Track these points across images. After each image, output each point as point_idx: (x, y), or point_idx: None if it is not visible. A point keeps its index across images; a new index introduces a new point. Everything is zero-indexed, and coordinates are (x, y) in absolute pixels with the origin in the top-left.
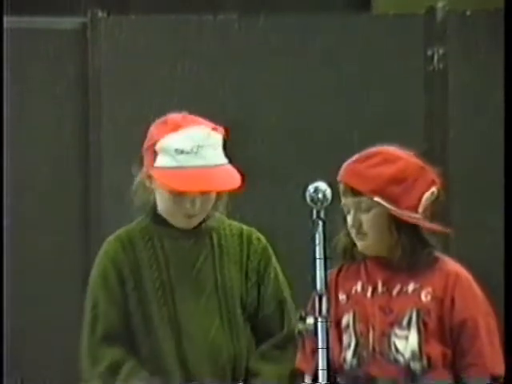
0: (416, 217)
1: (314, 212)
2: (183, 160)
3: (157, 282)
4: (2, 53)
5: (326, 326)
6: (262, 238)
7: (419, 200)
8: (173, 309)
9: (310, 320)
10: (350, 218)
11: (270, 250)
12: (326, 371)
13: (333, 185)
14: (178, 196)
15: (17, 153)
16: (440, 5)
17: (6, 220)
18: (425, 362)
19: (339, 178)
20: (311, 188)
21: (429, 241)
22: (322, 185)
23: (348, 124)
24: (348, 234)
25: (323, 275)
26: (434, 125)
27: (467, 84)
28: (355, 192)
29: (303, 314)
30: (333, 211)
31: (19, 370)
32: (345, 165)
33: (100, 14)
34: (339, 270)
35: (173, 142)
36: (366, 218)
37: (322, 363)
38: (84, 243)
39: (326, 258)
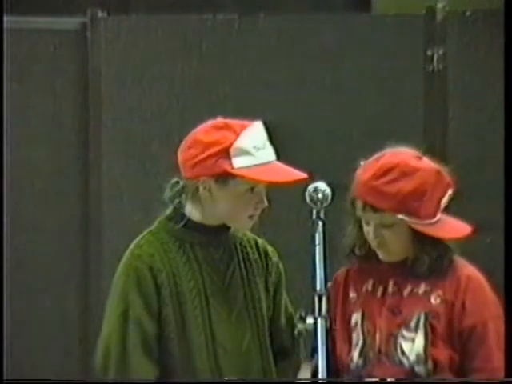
0: (437, 226)
1: (314, 212)
2: (263, 156)
3: (193, 290)
4: (2, 53)
5: (326, 326)
6: (273, 248)
7: (438, 205)
8: (208, 319)
9: (309, 320)
10: (370, 231)
11: (280, 261)
12: (325, 371)
13: (332, 185)
14: (250, 194)
15: (17, 152)
16: (440, 5)
17: (5, 220)
18: (430, 365)
19: (355, 194)
20: (311, 188)
21: (449, 245)
22: (322, 185)
23: (348, 124)
24: (358, 236)
25: (323, 275)
26: (433, 125)
27: (467, 84)
28: (376, 208)
29: (303, 313)
30: (333, 211)
31: (19, 370)
32: (360, 181)
33: (100, 13)
34: (351, 268)
35: (249, 140)
36: (388, 232)
37: (321, 362)
38: (84, 243)
39: (325, 258)
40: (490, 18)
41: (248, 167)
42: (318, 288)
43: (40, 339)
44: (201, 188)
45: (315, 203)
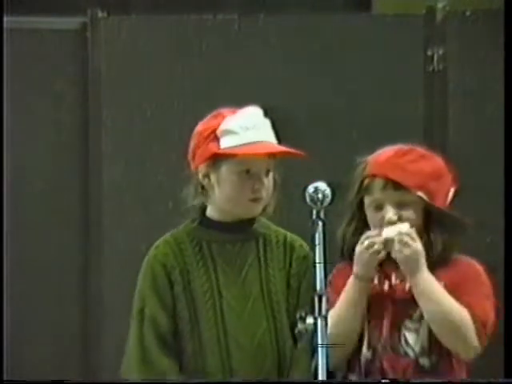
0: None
1: (314, 212)
2: (250, 136)
3: (205, 285)
4: (2, 53)
5: (326, 325)
6: (305, 245)
7: (447, 197)
8: (220, 312)
9: (309, 320)
10: (387, 213)
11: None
12: (325, 370)
13: (332, 185)
14: (247, 175)
15: (17, 153)
16: (440, 5)
17: (6, 220)
18: (434, 357)
19: (374, 171)
20: (311, 188)
21: (455, 236)
22: (322, 185)
23: (348, 124)
24: (356, 233)
25: (323, 275)
26: (433, 125)
27: (467, 84)
28: (397, 186)
29: (303, 313)
30: (333, 211)
31: (19, 370)
32: (380, 160)
33: (100, 13)
34: (348, 264)
35: (236, 121)
36: (406, 213)
37: (321, 362)
38: (84, 243)
39: (325, 258)
40: (490, 17)
41: (235, 146)
42: (318, 288)
43: (40, 339)
44: (200, 177)
45: (315, 203)
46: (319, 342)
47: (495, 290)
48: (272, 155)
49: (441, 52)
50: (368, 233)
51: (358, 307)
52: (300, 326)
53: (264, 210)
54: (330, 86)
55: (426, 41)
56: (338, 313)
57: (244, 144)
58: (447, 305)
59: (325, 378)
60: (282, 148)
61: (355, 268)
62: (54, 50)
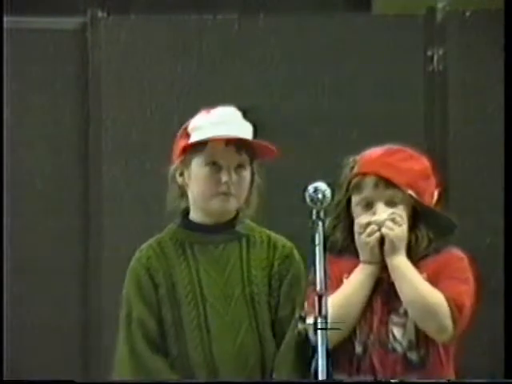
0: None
1: (314, 212)
2: (219, 130)
3: (188, 286)
4: (2, 53)
5: (326, 325)
6: (289, 244)
7: (433, 197)
8: (203, 313)
9: (309, 320)
10: (378, 210)
11: (295, 257)
12: (325, 370)
13: (332, 185)
14: (214, 168)
15: (17, 153)
16: (440, 5)
17: (5, 220)
18: (422, 350)
19: (365, 170)
20: (311, 188)
21: (441, 232)
22: (322, 185)
23: (348, 124)
24: (346, 231)
25: (323, 275)
26: (434, 125)
27: (467, 84)
28: (389, 184)
29: (303, 313)
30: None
31: (19, 370)
32: (371, 158)
33: (100, 13)
34: (340, 255)
35: (206, 118)
36: (396, 211)
37: (321, 362)
38: (84, 243)
39: (325, 258)
40: (490, 17)
41: (202, 140)
42: (318, 288)
43: (40, 340)
44: (176, 176)
45: (315, 203)
46: (319, 341)
47: (495, 290)
48: (244, 151)
49: (441, 52)
50: (359, 220)
51: (364, 290)
52: (300, 325)
53: (242, 209)
54: (330, 86)
55: (426, 41)
56: (344, 295)
57: (212, 137)
58: (422, 288)
59: (325, 378)
60: (243, 136)
61: (361, 255)
62: (54, 50)
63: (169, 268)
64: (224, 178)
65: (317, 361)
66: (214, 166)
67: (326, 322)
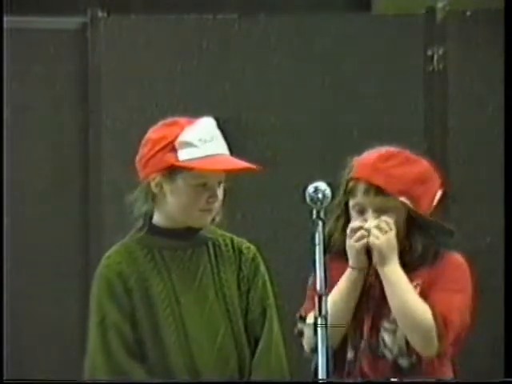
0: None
1: (314, 212)
2: (208, 149)
3: (162, 292)
4: (2, 53)
5: (326, 325)
6: (252, 247)
7: (433, 200)
8: (179, 318)
9: (309, 320)
10: (368, 217)
11: (259, 259)
12: (325, 370)
13: (332, 185)
14: (200, 188)
15: (17, 153)
16: (440, 5)
17: (6, 220)
18: (414, 357)
19: (358, 175)
20: (311, 188)
21: (438, 239)
22: (322, 185)
23: (348, 124)
24: (344, 232)
25: (323, 275)
26: (434, 125)
27: (467, 84)
28: (380, 191)
29: (303, 313)
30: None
31: (19, 370)
32: (364, 163)
33: (100, 13)
34: (334, 258)
35: (194, 133)
36: (384, 218)
37: (321, 362)
38: (84, 243)
39: (325, 258)
40: (490, 17)
41: (193, 159)
42: (318, 288)
43: (40, 339)
44: (152, 186)
45: (315, 203)
46: (319, 342)
47: (495, 290)
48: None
49: (441, 52)
50: (351, 224)
51: (351, 295)
52: (300, 326)
53: (213, 219)
54: (330, 86)
55: (426, 41)
56: (332, 299)
57: (203, 157)
58: (410, 301)
59: (325, 378)
60: (241, 164)
61: (349, 259)
62: (54, 50)
63: (140, 274)
64: (211, 198)
65: (317, 361)
66: (203, 186)
67: (326, 322)
